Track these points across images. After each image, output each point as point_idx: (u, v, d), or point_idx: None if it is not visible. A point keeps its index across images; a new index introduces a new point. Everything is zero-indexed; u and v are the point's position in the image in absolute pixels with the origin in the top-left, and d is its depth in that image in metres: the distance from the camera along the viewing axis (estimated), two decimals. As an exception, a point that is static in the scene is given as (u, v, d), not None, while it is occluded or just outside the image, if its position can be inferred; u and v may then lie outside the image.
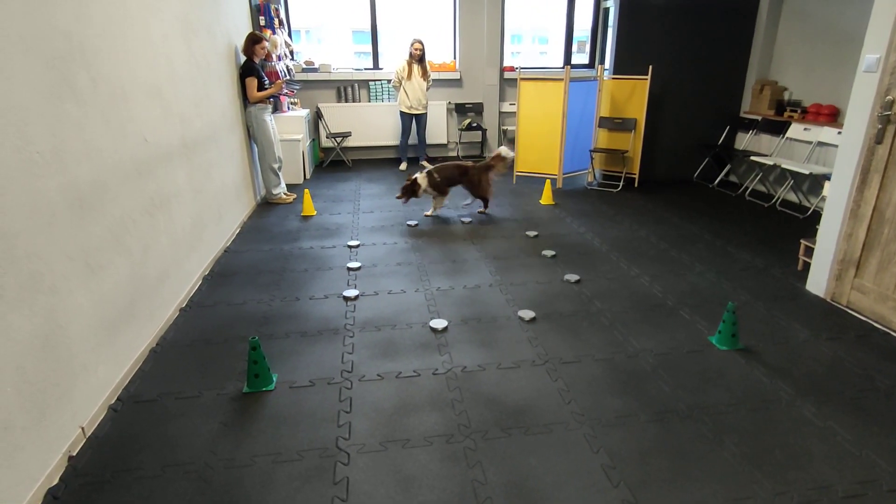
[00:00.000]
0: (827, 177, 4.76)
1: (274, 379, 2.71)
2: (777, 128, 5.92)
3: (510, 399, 2.57)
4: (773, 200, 5.71)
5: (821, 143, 5.40)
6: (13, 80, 2.00)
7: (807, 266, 3.80)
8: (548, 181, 5.98)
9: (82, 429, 2.30)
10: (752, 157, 5.86)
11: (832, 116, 5.41)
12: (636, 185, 6.43)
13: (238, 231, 4.96)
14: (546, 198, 5.82)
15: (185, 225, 3.67)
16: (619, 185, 6.36)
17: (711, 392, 2.61)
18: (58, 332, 2.18)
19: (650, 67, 5.99)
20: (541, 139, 6.34)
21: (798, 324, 3.25)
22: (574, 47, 8.55)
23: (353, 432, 2.35)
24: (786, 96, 6.11)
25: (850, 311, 3.40)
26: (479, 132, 8.14)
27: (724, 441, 2.29)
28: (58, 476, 2.11)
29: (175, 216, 3.50)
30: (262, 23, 6.34)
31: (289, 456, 2.22)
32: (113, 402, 2.56)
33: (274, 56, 6.18)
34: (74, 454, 2.23)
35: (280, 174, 5.83)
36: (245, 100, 5.34)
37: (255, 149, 5.66)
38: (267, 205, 5.82)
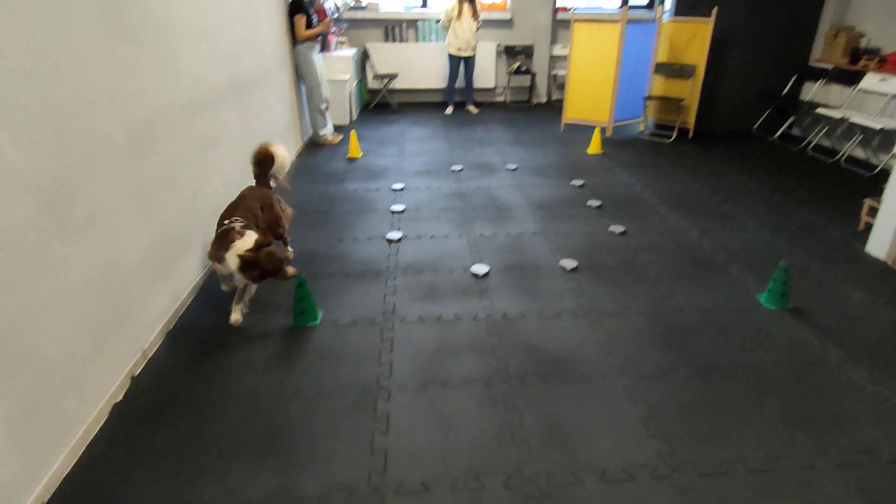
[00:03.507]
0: (902, 132, 4.44)
1: (319, 316, 2.80)
2: (850, 77, 5.50)
3: (550, 348, 2.59)
4: (838, 156, 5.38)
5: (898, 96, 5.01)
6: (70, 22, 2.03)
7: (869, 227, 3.61)
8: (597, 129, 5.78)
9: (143, 352, 2.46)
10: (819, 110, 5.50)
11: (915, 66, 4.99)
12: (691, 135, 6.15)
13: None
14: (594, 146, 5.64)
15: (236, 164, 3.74)
16: (672, 136, 6.10)
17: (756, 351, 2.56)
18: (119, 263, 2.30)
19: (714, 9, 5.60)
20: (592, 85, 6.08)
21: (855, 286, 3.12)
22: (633, -14, 8.06)
23: (393, 371, 2.43)
24: (863, 43, 5.64)
25: (913, 276, 3.24)
26: (529, 76, 7.88)
27: (767, 400, 2.26)
28: (122, 393, 2.28)
29: (226, 155, 3.56)
30: (311, -43, 6.18)
31: (332, 390, 2.32)
32: (170, 329, 2.71)
33: (322, -7, 6.06)
34: (136, 375, 2.38)
35: (327, 115, 5.83)
36: (293, 38, 5.29)
37: (303, 88, 5.65)
38: (314, 145, 5.85)
